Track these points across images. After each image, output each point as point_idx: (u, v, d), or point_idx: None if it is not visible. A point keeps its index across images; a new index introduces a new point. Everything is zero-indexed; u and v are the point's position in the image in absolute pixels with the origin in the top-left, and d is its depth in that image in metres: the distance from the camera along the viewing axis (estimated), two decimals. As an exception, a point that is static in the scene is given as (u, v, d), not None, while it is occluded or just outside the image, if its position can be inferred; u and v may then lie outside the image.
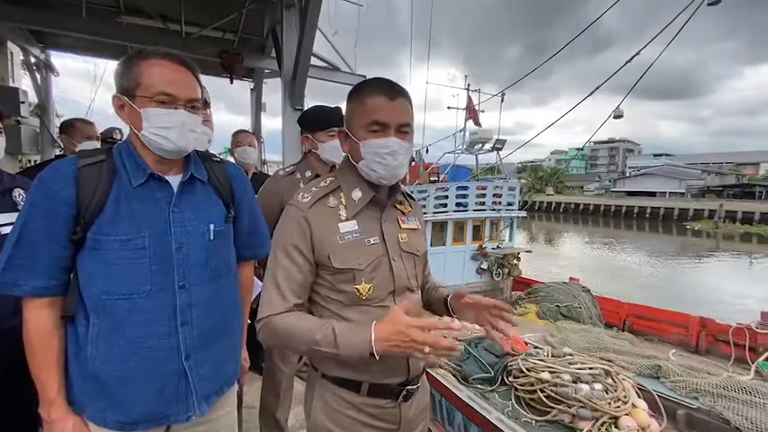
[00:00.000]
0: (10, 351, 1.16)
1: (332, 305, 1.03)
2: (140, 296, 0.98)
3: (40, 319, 0.96)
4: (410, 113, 1.02)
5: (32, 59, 5.37)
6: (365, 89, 1.01)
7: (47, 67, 5.61)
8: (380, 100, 0.98)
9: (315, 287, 1.05)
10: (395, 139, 0.99)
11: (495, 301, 1.10)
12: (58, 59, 5.98)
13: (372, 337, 0.88)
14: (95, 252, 0.96)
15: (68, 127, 2.43)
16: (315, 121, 1.85)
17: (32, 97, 5.44)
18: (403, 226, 1.11)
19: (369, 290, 1.00)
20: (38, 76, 5.52)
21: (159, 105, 0.98)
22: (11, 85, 5.16)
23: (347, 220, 1.02)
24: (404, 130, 1.01)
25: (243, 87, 7.06)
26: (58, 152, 3.76)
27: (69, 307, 0.98)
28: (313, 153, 1.86)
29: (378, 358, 0.89)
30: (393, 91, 0.99)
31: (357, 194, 1.05)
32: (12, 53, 5.39)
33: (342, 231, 1.01)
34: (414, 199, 1.22)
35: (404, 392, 1.06)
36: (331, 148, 1.80)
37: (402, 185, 1.17)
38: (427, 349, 0.85)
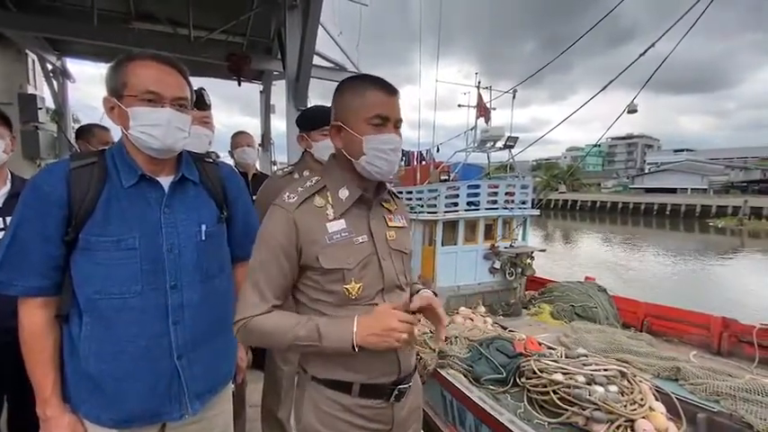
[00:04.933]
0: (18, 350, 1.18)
1: (319, 306, 1.01)
2: (132, 296, 0.99)
3: (34, 319, 0.97)
4: (400, 110, 1.05)
5: (49, 66, 5.53)
6: (362, 83, 1.01)
7: (63, 74, 5.78)
8: (380, 94, 1.00)
9: (301, 288, 1.04)
10: (395, 136, 1.01)
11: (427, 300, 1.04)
12: (76, 66, 6.15)
13: (354, 329, 0.93)
14: (87, 252, 0.97)
15: (86, 132, 2.42)
16: (309, 120, 1.86)
17: (50, 103, 5.60)
18: (390, 224, 1.10)
19: (358, 289, 0.99)
20: (54, 83, 5.68)
21: (145, 104, 0.98)
22: (30, 92, 5.33)
23: (335, 219, 1.01)
24: (398, 126, 1.03)
25: (256, 90, 7.12)
26: None
27: (63, 306, 0.99)
28: (309, 152, 1.86)
29: (357, 350, 0.93)
30: (390, 87, 1.01)
31: (344, 193, 1.04)
32: (34, 61, 5.57)
33: (330, 231, 1.00)
34: (399, 197, 1.22)
35: (395, 392, 1.05)
36: (324, 147, 1.79)
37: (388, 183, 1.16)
38: (404, 336, 0.93)
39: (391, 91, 1.01)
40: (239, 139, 2.94)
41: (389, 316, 0.94)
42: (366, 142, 0.98)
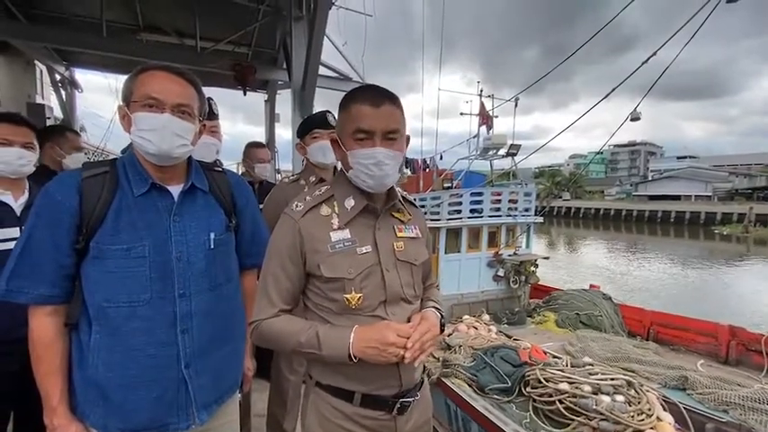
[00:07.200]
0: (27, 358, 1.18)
1: (323, 313, 1.03)
2: (140, 304, 1.00)
3: (43, 327, 0.98)
4: (398, 119, 1.00)
5: (57, 77, 5.62)
6: (352, 97, 1.01)
7: (71, 84, 5.86)
8: (364, 107, 0.97)
9: (308, 294, 1.06)
10: (381, 149, 0.97)
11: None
12: (84, 76, 6.25)
13: (351, 340, 0.93)
14: (98, 261, 0.98)
15: (56, 135, 2.17)
16: (301, 127, 1.92)
17: (58, 112, 5.68)
18: (399, 234, 1.09)
19: (359, 299, 0.99)
20: (62, 93, 5.76)
21: (146, 109, 1.00)
22: (38, 101, 5.40)
23: (339, 228, 1.02)
24: (391, 137, 0.98)
25: (260, 99, 7.20)
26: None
27: (73, 314, 1.00)
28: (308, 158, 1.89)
29: (356, 361, 0.93)
30: (378, 97, 0.97)
31: (350, 203, 1.05)
32: (42, 71, 5.66)
33: (333, 240, 1.01)
34: (415, 206, 1.20)
35: (398, 405, 1.04)
36: (315, 150, 1.84)
37: (402, 190, 1.16)
38: (408, 354, 0.92)
39: (378, 102, 0.96)
40: (261, 154, 2.88)
41: (388, 330, 0.94)
42: (350, 157, 0.99)
